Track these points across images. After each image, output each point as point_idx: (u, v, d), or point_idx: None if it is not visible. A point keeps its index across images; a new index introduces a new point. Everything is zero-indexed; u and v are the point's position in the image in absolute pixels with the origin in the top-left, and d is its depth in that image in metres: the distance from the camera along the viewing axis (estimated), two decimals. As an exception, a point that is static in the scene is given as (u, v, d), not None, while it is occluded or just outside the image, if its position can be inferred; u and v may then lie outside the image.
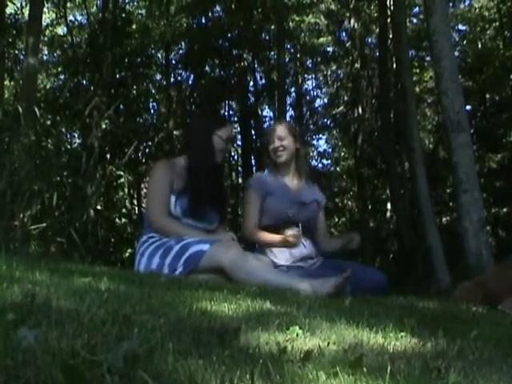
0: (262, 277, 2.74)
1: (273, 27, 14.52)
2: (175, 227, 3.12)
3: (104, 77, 13.39)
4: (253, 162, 16.77)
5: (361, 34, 16.08)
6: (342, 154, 19.58)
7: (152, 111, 16.59)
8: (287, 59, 15.17)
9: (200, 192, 3.19)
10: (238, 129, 17.94)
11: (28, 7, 10.04)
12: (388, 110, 13.38)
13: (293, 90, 17.84)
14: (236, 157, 18.72)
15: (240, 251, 2.90)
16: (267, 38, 15.43)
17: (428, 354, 1.41)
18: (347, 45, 16.76)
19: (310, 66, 18.19)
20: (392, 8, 11.52)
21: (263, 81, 16.68)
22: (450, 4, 15.14)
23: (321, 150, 19.63)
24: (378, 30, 14.02)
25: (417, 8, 15.82)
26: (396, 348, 1.48)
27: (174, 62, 16.85)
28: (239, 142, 17.99)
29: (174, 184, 3.19)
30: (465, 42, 16.49)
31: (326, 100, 19.20)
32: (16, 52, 13.13)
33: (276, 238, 3.26)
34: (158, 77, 16.95)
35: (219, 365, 1.08)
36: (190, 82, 16.56)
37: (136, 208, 14.94)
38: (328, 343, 1.42)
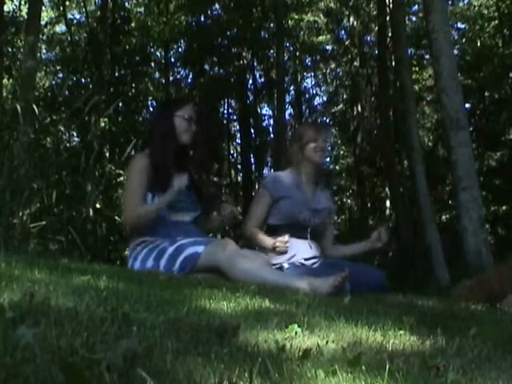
0: (259, 276, 2.73)
1: (272, 25, 14.51)
2: (147, 208, 3.07)
3: (103, 75, 13.38)
4: (252, 160, 16.78)
5: (360, 32, 16.07)
6: (342, 152, 19.58)
7: (151, 109, 16.60)
8: (286, 57, 15.15)
9: (168, 173, 3.12)
10: (238, 127, 17.95)
11: (27, 5, 10.03)
12: (387, 108, 13.37)
13: (292, 88, 17.84)
14: (235, 155, 18.73)
15: (237, 250, 2.89)
16: (266, 36, 15.42)
17: (427, 352, 1.42)
18: (346, 43, 16.75)
19: (309, 64, 18.17)
20: (391, 6, 11.49)
21: (262, 79, 16.67)
22: (449, 2, 15.12)
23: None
24: (377, 28, 13.99)
25: (416, 6, 15.80)
26: (395, 346, 1.48)
27: (173, 60, 16.85)
28: (238, 141, 18.01)
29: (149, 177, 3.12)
30: (464, 40, 16.47)
31: (325, 98, 19.21)
32: (14, 50, 13.12)
33: (268, 242, 3.25)
34: (157, 75, 16.96)
35: (218, 363, 1.08)
36: (189, 81, 16.57)
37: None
38: (327, 341, 1.42)
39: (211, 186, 3.56)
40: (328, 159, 19.54)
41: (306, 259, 3.31)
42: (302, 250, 3.31)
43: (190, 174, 3.24)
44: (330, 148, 3.62)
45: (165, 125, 3.27)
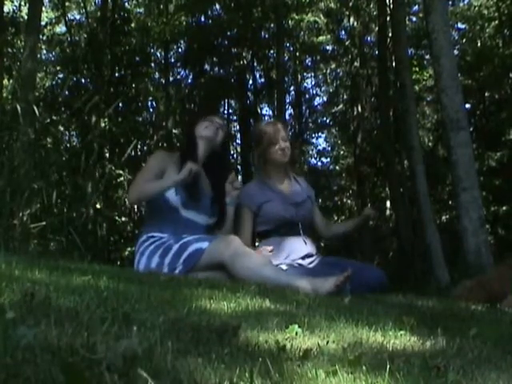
0: (262, 273, 2.74)
1: (272, 26, 14.51)
2: (150, 184, 3.13)
3: (103, 75, 13.38)
4: (252, 160, 16.77)
5: (360, 32, 16.06)
6: (342, 152, 19.58)
7: (151, 110, 16.60)
8: (286, 58, 15.15)
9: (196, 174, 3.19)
10: (238, 127, 17.95)
11: (27, 6, 10.03)
12: (387, 109, 13.37)
13: (292, 88, 17.83)
14: (235, 155, 18.73)
15: (241, 247, 2.90)
16: (266, 36, 15.42)
17: (427, 353, 1.41)
18: (346, 43, 16.75)
19: (309, 64, 18.18)
20: (391, 6, 11.50)
21: (262, 79, 16.67)
22: (450, 2, 15.12)
23: (320, 148, 19.64)
24: (377, 28, 14.00)
25: (416, 6, 15.81)
26: (395, 346, 1.48)
27: (173, 60, 16.84)
28: (238, 141, 18.00)
29: (167, 172, 3.19)
30: (464, 41, 16.48)
31: (325, 98, 19.21)
32: (14, 51, 13.12)
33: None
34: (157, 75, 16.96)
35: (218, 363, 1.08)
36: (190, 81, 16.57)
37: (136, 207, 14.93)
38: (327, 342, 1.42)
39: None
40: (328, 160, 19.61)
41: (302, 258, 3.30)
42: (296, 248, 3.31)
43: (216, 179, 3.31)
44: (289, 143, 3.61)
45: (188, 137, 3.48)
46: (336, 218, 19.08)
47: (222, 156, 3.45)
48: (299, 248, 3.32)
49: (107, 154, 12.75)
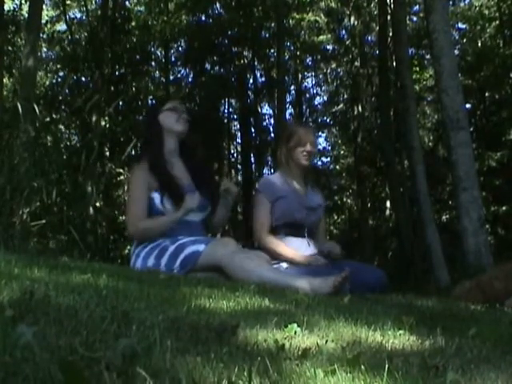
0: (260, 274, 2.73)
1: (273, 25, 14.52)
2: (152, 223, 3.07)
3: (103, 74, 13.39)
4: (252, 159, 16.78)
5: (361, 32, 16.08)
6: (342, 151, 19.61)
7: (151, 109, 16.58)
8: (287, 57, 15.16)
9: (169, 174, 3.13)
10: (238, 126, 17.96)
11: (27, 4, 10.04)
12: (388, 108, 13.38)
13: (292, 87, 17.86)
14: (235, 154, 18.73)
15: (238, 248, 2.89)
16: (267, 35, 15.44)
17: (426, 352, 1.41)
18: (347, 43, 16.76)
19: (309, 63, 18.21)
20: (392, 6, 11.50)
21: (263, 78, 16.70)
22: (450, 2, 15.14)
23: (320, 147, 19.65)
24: (378, 28, 14.00)
25: (417, 6, 15.83)
26: (394, 346, 1.48)
27: (173, 59, 16.85)
28: (239, 140, 18.01)
29: (153, 184, 3.12)
30: (465, 41, 16.50)
31: (325, 98, 19.25)
32: (15, 49, 13.12)
33: (289, 252, 3.23)
34: (158, 74, 16.97)
35: (217, 362, 1.08)
36: (190, 80, 16.58)
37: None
38: (326, 341, 1.42)
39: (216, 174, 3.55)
40: (328, 159, 19.61)
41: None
42: (300, 248, 3.31)
43: (197, 171, 3.28)
44: (317, 149, 3.64)
45: (152, 127, 3.32)
46: (336, 218, 19.09)
47: (194, 143, 3.37)
48: (303, 249, 3.32)
49: (107, 153, 12.75)
